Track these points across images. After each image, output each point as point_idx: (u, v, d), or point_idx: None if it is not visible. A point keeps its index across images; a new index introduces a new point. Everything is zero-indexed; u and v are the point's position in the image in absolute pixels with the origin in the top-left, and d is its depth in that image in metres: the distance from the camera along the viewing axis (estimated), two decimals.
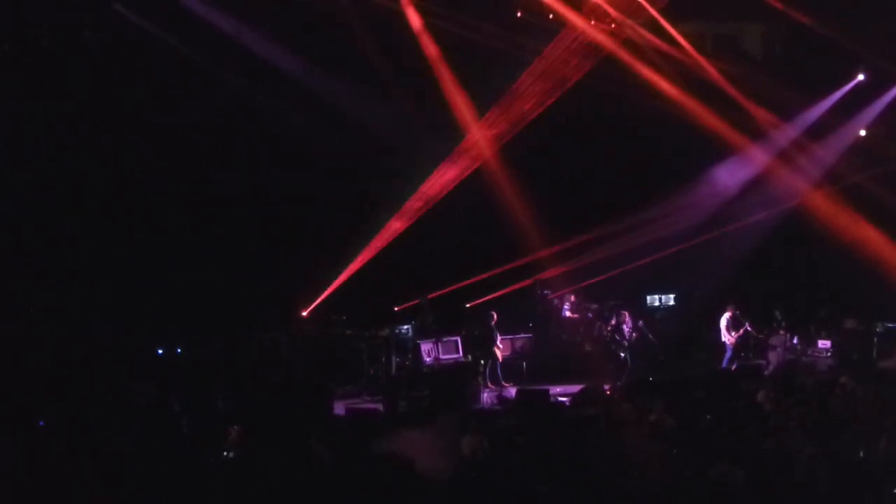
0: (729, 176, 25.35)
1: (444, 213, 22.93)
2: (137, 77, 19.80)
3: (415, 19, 21.73)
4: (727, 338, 22.78)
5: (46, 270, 18.94)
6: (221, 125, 20.48)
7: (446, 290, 23.05)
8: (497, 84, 22.53)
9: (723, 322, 22.87)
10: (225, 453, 10.76)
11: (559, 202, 23.48)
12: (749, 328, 22.77)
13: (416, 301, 22.30)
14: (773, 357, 22.94)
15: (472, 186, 22.86)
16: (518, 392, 19.01)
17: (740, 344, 22.78)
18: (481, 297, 23.56)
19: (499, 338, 21.71)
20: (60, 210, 19.74)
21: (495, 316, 21.75)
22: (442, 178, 22.98)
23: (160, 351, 19.37)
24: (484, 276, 23.36)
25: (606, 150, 23.98)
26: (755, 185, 25.04)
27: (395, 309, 22.58)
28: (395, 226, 22.82)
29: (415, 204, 22.94)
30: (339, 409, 16.75)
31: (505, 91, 22.57)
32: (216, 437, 11.29)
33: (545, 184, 23.22)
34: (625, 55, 22.59)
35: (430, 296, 22.48)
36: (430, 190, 22.92)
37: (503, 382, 21.42)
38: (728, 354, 22.75)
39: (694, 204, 25.27)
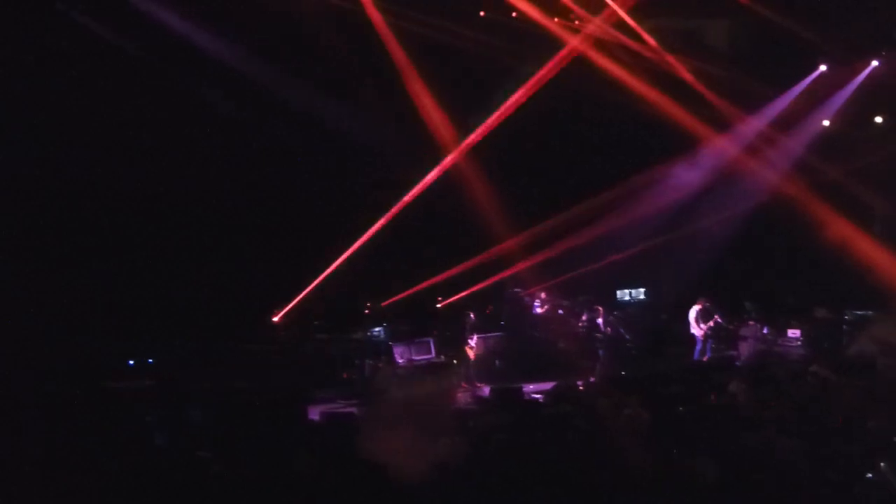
0: (695, 170, 25.48)
1: (411, 210, 22.90)
2: (103, 85, 19.60)
3: (379, 21, 21.65)
4: (696, 330, 22.92)
5: (11, 279, 18.70)
6: (191, 130, 20.36)
7: (416, 288, 23.07)
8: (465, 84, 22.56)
9: (692, 314, 23.00)
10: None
11: (526, 197, 23.56)
12: (719, 320, 22.90)
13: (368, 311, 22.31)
14: (744, 348, 23.08)
15: (440, 182, 22.84)
16: (492, 391, 19.00)
17: (710, 336, 22.92)
18: (452, 296, 23.60)
19: (475, 337, 21.69)
20: (27, 217, 19.49)
21: (472, 316, 21.73)
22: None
23: (131, 362, 19.21)
24: (453, 271, 23.39)
25: (573, 146, 24.05)
26: (723, 177, 25.20)
27: (366, 312, 22.55)
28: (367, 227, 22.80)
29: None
30: (314, 413, 16.67)
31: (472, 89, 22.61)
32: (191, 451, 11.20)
33: (512, 179, 23.27)
34: (590, 51, 22.67)
35: (385, 302, 22.52)
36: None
37: (476, 382, 21.42)
38: (698, 346, 22.89)
39: (661, 198, 25.40)
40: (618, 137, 24.30)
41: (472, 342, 21.66)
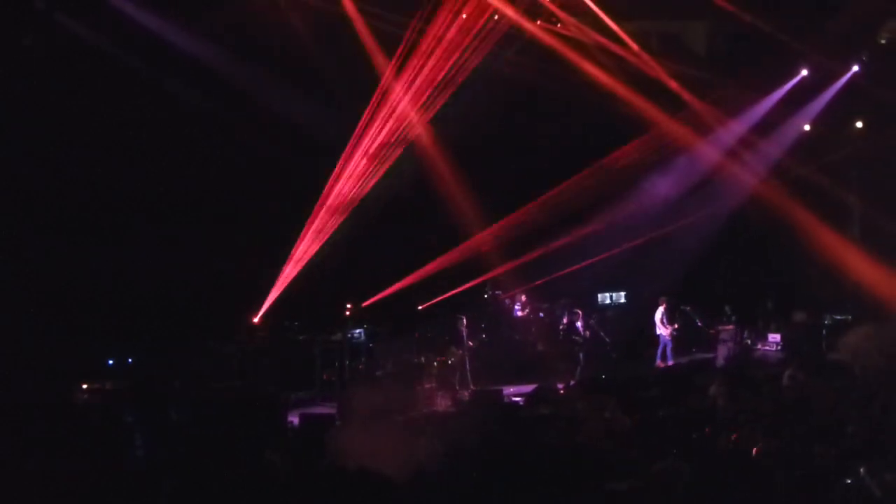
0: (674, 175, 25.51)
1: (387, 211, 22.83)
2: (80, 85, 19.46)
3: (358, 22, 21.56)
4: (662, 330, 23.04)
5: None
6: (169, 129, 20.22)
7: (394, 289, 23.00)
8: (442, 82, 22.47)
9: (658, 315, 23.15)
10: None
11: (504, 199, 23.54)
12: (699, 323, 23.02)
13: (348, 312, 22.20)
14: (722, 351, 23.17)
15: (420, 182, 22.77)
16: (471, 393, 18.97)
17: (676, 335, 23.12)
18: (433, 299, 23.54)
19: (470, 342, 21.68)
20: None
21: (465, 320, 21.68)
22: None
23: (110, 361, 19.10)
24: (432, 272, 23.33)
25: (552, 148, 24.04)
26: (702, 182, 25.24)
27: (346, 313, 22.45)
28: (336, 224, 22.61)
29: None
30: (293, 415, 16.61)
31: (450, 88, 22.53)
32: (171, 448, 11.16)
33: (491, 184, 23.22)
34: (571, 54, 22.65)
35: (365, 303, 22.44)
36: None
37: (461, 385, 21.35)
38: (669, 347, 23.02)
39: (640, 203, 25.42)
40: (596, 138, 24.23)
41: (462, 347, 21.47)
